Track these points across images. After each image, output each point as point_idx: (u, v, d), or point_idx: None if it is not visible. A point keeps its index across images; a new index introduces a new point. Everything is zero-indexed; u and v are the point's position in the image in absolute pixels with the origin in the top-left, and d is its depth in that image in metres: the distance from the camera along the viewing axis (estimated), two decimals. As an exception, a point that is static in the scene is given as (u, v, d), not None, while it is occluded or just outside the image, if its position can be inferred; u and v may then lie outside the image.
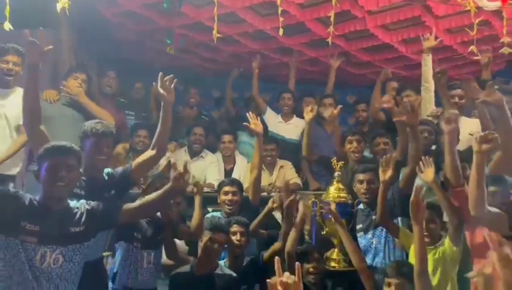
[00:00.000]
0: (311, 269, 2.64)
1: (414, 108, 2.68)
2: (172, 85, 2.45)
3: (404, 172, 2.80)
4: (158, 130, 2.50)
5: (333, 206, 2.68)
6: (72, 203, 2.05)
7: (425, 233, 2.21)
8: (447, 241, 2.44)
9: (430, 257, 2.33)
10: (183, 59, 4.81)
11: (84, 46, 3.94)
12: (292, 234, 2.66)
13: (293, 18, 3.75)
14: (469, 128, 3.19)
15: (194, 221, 2.85)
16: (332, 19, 2.73)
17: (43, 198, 1.97)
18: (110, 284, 2.65)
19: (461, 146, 2.98)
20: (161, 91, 2.40)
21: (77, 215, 2.02)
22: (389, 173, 2.53)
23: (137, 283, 2.65)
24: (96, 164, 2.39)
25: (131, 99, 4.34)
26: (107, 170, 2.51)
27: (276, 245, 2.79)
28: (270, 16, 3.83)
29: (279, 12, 2.72)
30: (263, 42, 4.36)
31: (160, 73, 2.41)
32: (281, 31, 2.76)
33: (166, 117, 2.48)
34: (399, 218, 2.68)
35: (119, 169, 2.56)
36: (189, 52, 4.67)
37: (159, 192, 2.22)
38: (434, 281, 2.29)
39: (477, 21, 2.78)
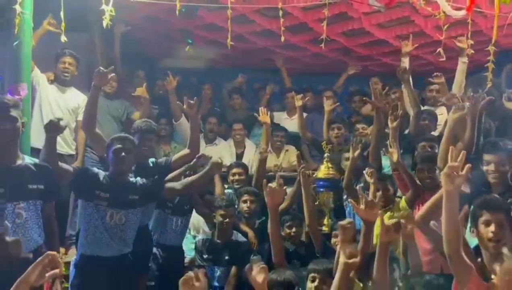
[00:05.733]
0: (292, 233, 3.47)
1: (381, 94, 3.63)
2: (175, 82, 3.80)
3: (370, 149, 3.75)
4: (190, 135, 3.53)
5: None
6: (132, 179, 3.01)
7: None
8: (402, 201, 3.28)
9: (385, 218, 3.17)
10: (197, 54, 5.67)
11: (111, 47, 4.82)
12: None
13: (297, 19, 4.58)
14: (445, 116, 4.07)
15: (217, 191, 3.93)
16: (324, 28, 3.51)
17: (111, 173, 2.94)
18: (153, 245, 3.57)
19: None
20: (186, 108, 3.45)
21: (134, 187, 2.97)
22: (358, 152, 3.45)
23: (165, 240, 3.61)
24: (141, 154, 3.28)
25: (153, 95, 5.14)
26: (152, 159, 3.46)
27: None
28: (275, 17, 4.63)
29: (281, 22, 3.52)
30: (270, 40, 5.14)
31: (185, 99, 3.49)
32: (282, 38, 3.59)
33: (194, 126, 3.53)
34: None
35: (162, 159, 3.58)
36: (203, 49, 5.51)
37: (197, 176, 3.18)
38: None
39: (445, 27, 3.56)
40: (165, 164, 3.50)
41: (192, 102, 3.43)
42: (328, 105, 4.57)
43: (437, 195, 2.50)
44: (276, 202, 2.77)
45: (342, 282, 2.24)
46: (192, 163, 3.47)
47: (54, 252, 1.78)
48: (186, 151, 3.55)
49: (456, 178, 1.88)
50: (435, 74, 4.25)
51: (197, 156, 3.45)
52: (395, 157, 3.25)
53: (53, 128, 2.74)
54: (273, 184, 2.75)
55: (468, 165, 1.91)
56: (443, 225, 1.95)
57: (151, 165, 3.44)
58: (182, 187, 3.16)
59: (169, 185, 3.17)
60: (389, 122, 3.53)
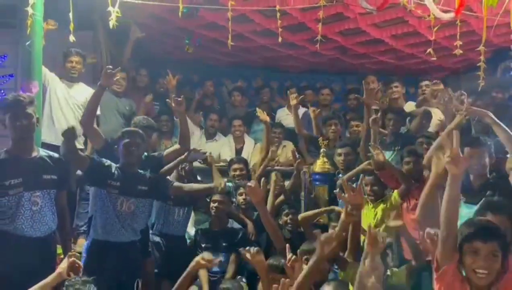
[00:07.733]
0: (288, 221, 3.76)
1: (373, 92, 3.93)
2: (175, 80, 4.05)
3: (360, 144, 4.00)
4: (179, 131, 3.78)
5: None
6: (142, 171, 3.29)
7: (369, 194, 3.37)
8: (395, 193, 3.49)
9: (379, 209, 3.46)
10: (198, 52, 5.91)
11: (116, 45, 5.08)
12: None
13: (295, 19, 4.82)
14: (438, 115, 4.35)
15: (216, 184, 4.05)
16: (320, 29, 3.77)
17: (121, 165, 3.22)
18: (150, 231, 3.86)
19: (431, 129, 4.31)
20: (174, 105, 3.67)
21: (144, 179, 3.25)
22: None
23: (168, 230, 3.88)
24: None
25: (155, 92, 5.44)
26: (145, 154, 3.68)
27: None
28: (275, 17, 4.85)
29: (278, 23, 3.78)
30: (269, 38, 5.37)
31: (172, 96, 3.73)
32: (280, 39, 3.84)
33: (182, 123, 3.77)
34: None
35: (155, 154, 3.84)
36: (204, 47, 5.75)
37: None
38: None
39: (435, 28, 3.81)
40: (157, 158, 3.77)
41: (179, 99, 3.67)
42: (292, 99, 4.80)
43: (425, 191, 2.77)
44: (258, 198, 3.06)
45: (314, 265, 2.36)
46: (183, 157, 3.73)
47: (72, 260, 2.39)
48: (176, 146, 3.83)
49: (460, 162, 2.06)
50: (434, 81, 4.62)
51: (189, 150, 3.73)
52: (381, 157, 3.43)
53: (70, 135, 2.97)
54: (252, 183, 3.07)
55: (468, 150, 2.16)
56: (444, 205, 2.10)
57: (144, 158, 3.64)
58: (187, 190, 3.50)
59: (177, 184, 3.46)
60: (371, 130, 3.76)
